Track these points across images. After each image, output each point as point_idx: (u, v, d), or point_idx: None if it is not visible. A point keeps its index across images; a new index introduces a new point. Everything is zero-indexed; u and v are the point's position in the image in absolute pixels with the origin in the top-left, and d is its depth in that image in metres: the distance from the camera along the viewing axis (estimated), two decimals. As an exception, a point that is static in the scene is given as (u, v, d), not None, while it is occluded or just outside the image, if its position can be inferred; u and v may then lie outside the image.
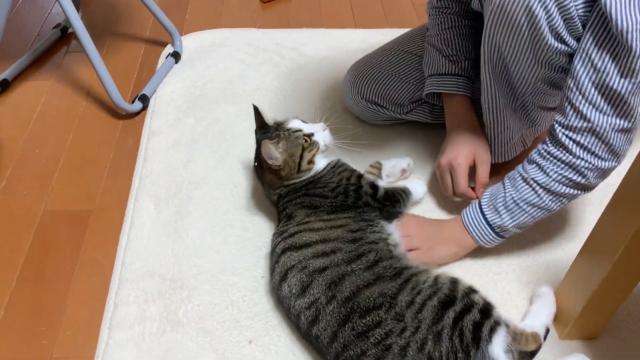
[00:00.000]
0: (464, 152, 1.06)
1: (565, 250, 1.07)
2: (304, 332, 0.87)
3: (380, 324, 0.80)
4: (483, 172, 1.07)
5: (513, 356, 0.81)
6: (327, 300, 0.84)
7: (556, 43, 0.85)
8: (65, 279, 1.02)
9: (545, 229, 1.10)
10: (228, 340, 0.92)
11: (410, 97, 1.23)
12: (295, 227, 0.94)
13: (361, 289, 0.83)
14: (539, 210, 0.93)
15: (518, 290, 1.00)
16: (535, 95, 0.98)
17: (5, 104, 1.40)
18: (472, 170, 1.08)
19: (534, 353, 0.85)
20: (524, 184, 0.92)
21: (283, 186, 1.03)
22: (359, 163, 1.09)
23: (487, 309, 0.82)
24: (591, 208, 1.14)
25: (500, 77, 0.97)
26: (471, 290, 0.84)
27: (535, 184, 0.91)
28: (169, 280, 1.01)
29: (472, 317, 0.80)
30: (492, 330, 0.80)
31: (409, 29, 1.35)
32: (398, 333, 0.79)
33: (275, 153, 0.99)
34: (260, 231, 1.09)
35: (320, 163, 1.04)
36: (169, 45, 1.58)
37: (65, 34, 1.62)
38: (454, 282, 0.85)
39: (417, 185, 1.14)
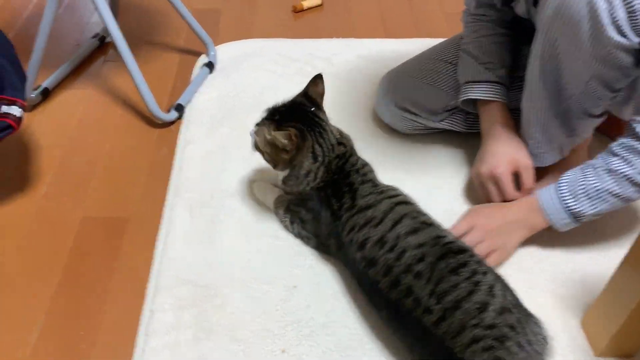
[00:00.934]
0: (505, 159, 1.06)
1: (602, 265, 1.05)
2: (401, 271, 0.87)
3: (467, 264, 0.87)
4: (528, 177, 1.07)
5: None
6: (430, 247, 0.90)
7: (617, 36, 0.84)
8: (103, 285, 1.05)
9: (581, 241, 1.08)
10: (261, 349, 0.93)
11: (444, 105, 1.23)
12: (394, 190, 1.01)
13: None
14: (621, 200, 0.95)
15: (552, 304, 0.99)
16: (582, 98, 0.97)
17: (46, 112, 1.44)
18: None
19: None
20: (609, 175, 0.93)
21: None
22: (389, 172, 1.09)
23: None
24: (630, 223, 1.12)
25: (549, 76, 0.97)
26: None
27: (621, 176, 0.92)
28: (203, 288, 1.02)
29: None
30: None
31: (440, 39, 1.35)
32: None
33: None
34: (291, 240, 1.11)
35: None
36: (203, 55, 1.60)
37: (103, 43, 1.66)
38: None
39: None
